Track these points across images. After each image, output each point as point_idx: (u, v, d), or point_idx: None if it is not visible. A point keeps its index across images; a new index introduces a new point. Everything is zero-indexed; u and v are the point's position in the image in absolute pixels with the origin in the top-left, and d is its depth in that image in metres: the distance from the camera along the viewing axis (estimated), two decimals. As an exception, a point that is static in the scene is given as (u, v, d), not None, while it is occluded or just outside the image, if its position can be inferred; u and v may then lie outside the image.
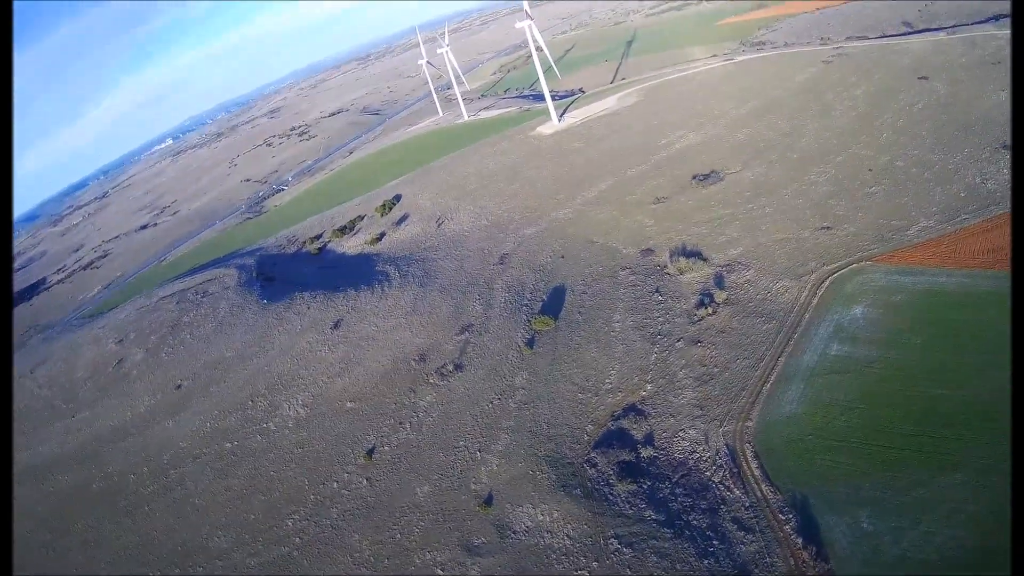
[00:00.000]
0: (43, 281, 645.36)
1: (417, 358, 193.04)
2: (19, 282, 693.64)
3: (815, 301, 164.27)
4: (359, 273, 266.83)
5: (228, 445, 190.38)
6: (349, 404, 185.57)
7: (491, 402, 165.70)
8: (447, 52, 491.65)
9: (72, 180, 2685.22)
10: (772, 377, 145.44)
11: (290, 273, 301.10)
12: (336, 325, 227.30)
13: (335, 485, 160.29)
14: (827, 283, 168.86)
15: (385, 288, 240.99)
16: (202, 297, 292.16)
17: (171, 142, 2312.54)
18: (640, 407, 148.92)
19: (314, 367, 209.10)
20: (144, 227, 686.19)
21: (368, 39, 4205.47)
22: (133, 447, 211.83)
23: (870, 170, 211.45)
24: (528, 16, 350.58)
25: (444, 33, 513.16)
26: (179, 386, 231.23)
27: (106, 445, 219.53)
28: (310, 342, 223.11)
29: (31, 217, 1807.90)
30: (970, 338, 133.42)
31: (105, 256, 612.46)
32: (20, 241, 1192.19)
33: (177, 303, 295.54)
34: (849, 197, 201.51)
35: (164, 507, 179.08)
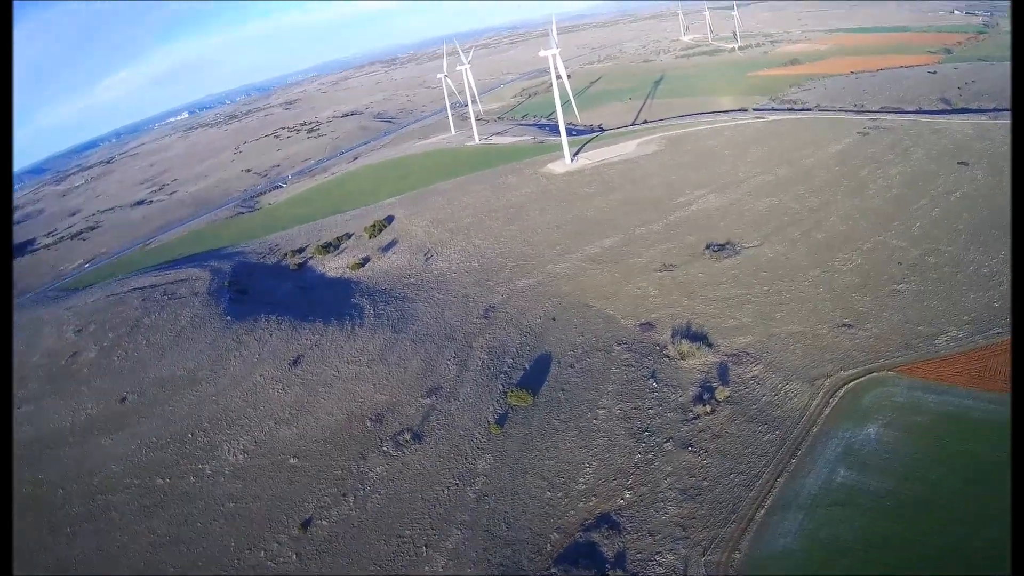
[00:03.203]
0: (32, 242, 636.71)
1: (374, 418, 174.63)
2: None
3: (826, 412, 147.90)
4: (333, 302, 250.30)
5: (159, 481, 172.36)
6: (292, 460, 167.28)
7: (447, 487, 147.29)
8: (466, 70, 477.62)
9: (86, 138, 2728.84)
10: (768, 501, 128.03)
11: (264, 288, 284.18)
12: (295, 362, 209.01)
13: (262, 554, 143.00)
14: (842, 392, 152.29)
15: (355, 326, 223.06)
16: (168, 299, 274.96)
17: (187, 116, 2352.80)
18: (615, 518, 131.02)
19: (263, 408, 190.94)
20: (140, 203, 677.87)
21: (398, 42, 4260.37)
22: (67, 458, 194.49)
23: (899, 263, 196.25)
24: (554, 45, 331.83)
25: (469, 49, 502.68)
26: (124, 399, 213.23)
27: (43, 449, 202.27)
28: (264, 377, 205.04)
29: (38, 170, 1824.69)
30: (991, 478, 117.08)
31: (95, 228, 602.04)
32: (22, 195, 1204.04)
33: (143, 300, 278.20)
34: (875, 292, 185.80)
35: (86, 534, 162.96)
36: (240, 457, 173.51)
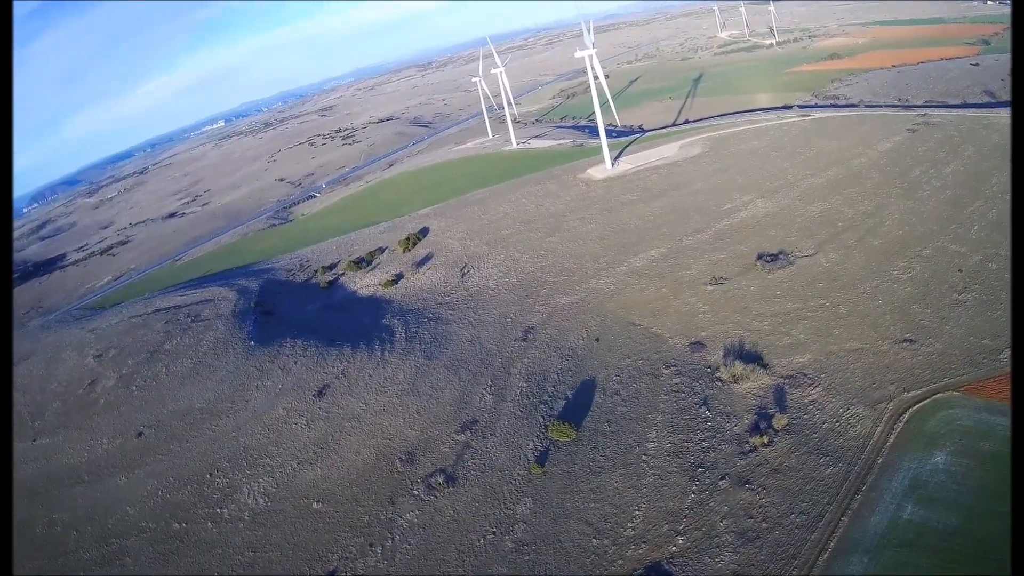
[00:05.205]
0: (62, 257, 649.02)
1: (404, 457, 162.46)
2: (41, 253, 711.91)
3: (892, 439, 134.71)
4: (362, 324, 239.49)
5: (176, 526, 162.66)
6: (315, 505, 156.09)
7: (484, 536, 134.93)
8: (501, 73, 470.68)
9: (121, 148, 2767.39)
10: (831, 544, 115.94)
11: (291, 309, 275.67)
12: (320, 393, 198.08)
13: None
14: (907, 416, 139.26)
15: (386, 352, 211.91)
16: (192, 321, 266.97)
17: (222, 124, 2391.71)
18: (667, 567, 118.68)
19: (286, 445, 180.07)
20: (172, 216, 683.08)
21: (434, 45, 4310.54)
22: (82, 497, 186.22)
23: (960, 271, 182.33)
24: (590, 45, 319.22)
25: (505, 52, 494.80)
26: (140, 433, 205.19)
27: (57, 487, 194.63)
28: (287, 410, 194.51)
29: (72, 182, 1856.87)
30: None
31: (126, 243, 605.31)
32: (55, 208, 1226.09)
33: (165, 323, 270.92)
34: (935, 303, 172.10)
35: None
36: (260, 500, 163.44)
